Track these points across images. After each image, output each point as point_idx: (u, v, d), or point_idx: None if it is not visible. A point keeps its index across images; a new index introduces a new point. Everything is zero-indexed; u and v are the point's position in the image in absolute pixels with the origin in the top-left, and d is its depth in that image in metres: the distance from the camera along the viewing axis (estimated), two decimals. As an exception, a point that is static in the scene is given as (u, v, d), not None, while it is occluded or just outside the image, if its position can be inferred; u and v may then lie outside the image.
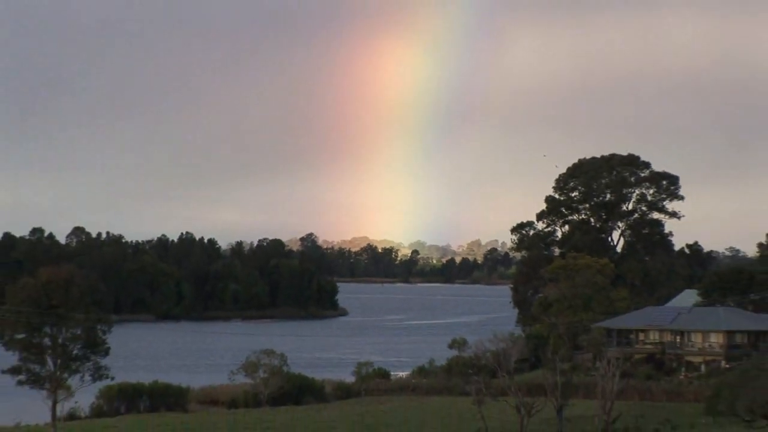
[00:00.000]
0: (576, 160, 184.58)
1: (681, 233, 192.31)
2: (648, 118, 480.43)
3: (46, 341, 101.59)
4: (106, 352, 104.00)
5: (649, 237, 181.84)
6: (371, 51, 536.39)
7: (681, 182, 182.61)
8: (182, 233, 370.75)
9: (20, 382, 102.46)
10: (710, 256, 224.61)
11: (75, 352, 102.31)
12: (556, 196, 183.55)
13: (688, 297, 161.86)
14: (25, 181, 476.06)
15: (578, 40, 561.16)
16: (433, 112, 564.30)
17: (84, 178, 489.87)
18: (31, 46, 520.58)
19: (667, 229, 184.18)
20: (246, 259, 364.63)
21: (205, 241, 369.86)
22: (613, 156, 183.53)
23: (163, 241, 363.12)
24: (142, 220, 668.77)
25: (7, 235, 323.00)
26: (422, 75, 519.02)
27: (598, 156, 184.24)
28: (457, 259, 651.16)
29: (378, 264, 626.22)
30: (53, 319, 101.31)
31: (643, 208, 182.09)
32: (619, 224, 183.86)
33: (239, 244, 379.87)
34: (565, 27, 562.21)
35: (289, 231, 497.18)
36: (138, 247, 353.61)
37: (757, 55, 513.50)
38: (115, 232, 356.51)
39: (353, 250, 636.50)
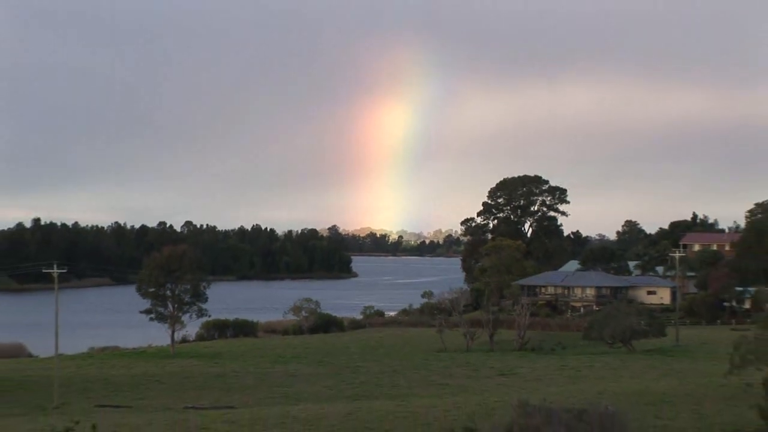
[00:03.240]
0: (502, 179, 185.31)
1: (568, 225, 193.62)
2: (552, 152, 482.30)
3: (168, 293, 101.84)
4: (205, 300, 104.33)
5: (548, 228, 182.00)
6: (376, 110, 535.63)
7: (568, 193, 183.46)
8: (254, 225, 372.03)
9: (151, 319, 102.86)
10: (586, 239, 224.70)
11: (186, 299, 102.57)
12: (489, 201, 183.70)
13: (572, 265, 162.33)
14: (153, 189, 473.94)
15: (509, 102, 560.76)
16: (414, 148, 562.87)
17: (192, 188, 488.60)
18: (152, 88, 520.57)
19: (559, 223, 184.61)
20: (294, 241, 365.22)
21: (268, 230, 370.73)
22: (525, 176, 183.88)
23: (242, 230, 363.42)
24: (229, 216, 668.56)
25: (142, 226, 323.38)
26: (408, 126, 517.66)
27: (516, 176, 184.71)
28: (427, 241, 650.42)
29: (377, 244, 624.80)
30: (172, 279, 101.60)
31: (544, 209, 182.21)
32: (529, 219, 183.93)
33: (289, 232, 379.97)
34: (502, 94, 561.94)
35: (320, 223, 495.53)
36: (226, 234, 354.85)
37: (628, 108, 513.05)
38: (212, 224, 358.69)
39: (361, 235, 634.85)
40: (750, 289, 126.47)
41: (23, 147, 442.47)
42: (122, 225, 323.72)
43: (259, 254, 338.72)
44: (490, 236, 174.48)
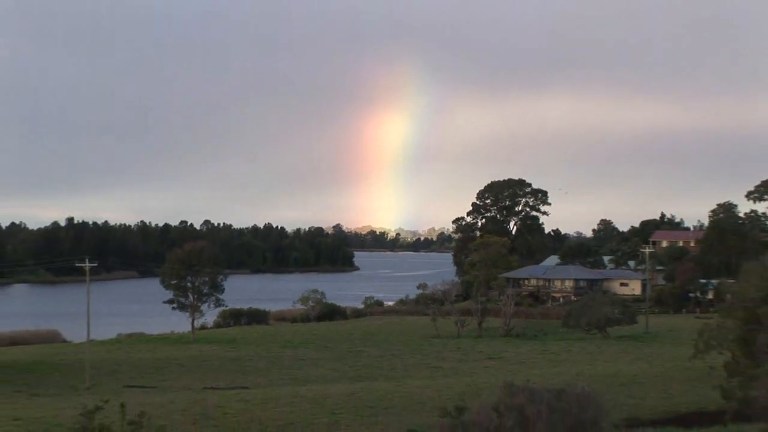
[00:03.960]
0: (489, 182, 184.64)
1: (549, 223, 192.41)
2: (533, 158, 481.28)
3: (188, 285, 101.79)
4: (222, 291, 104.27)
5: (531, 226, 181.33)
6: (375, 120, 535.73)
7: (549, 195, 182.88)
8: (266, 223, 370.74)
9: (173, 308, 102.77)
10: (565, 236, 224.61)
11: (204, 290, 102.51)
12: (478, 202, 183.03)
13: (553, 260, 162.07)
14: (175, 191, 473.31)
15: (495, 113, 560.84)
16: (410, 154, 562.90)
17: (210, 190, 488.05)
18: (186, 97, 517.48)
19: (540, 221, 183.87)
20: (302, 238, 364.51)
21: (279, 228, 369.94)
22: (510, 179, 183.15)
23: (255, 228, 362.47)
24: (243, 215, 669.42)
25: (165, 224, 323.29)
26: (405, 133, 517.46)
27: (502, 180, 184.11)
28: (422, 238, 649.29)
29: (377, 241, 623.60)
30: (192, 272, 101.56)
31: (527, 209, 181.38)
32: (514, 218, 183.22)
33: (298, 230, 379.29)
34: (489, 105, 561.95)
35: (326, 222, 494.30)
36: (241, 231, 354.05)
37: (605, 118, 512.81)
38: (228, 222, 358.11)
39: (363, 232, 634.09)
40: (713, 281, 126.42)
41: (58, 154, 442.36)
42: (147, 224, 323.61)
43: (271, 250, 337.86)
44: (478, 234, 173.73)
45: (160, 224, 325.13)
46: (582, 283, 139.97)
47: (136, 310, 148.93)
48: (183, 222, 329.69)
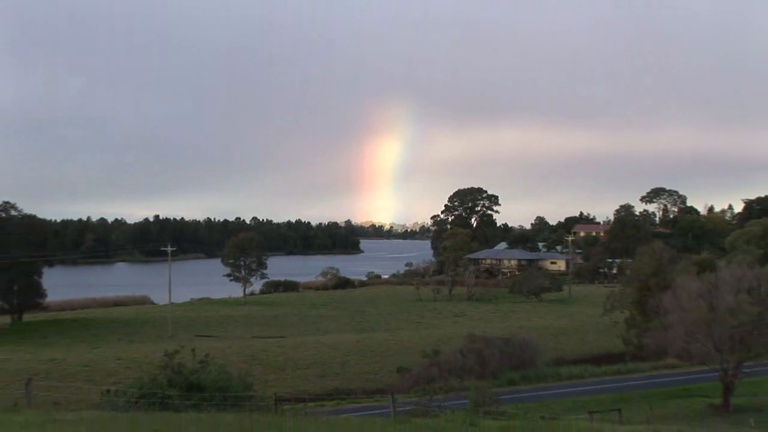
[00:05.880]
0: (456, 189, 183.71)
1: (499, 219, 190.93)
2: (489, 172, 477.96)
3: (241, 263, 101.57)
4: (265, 267, 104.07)
5: (487, 221, 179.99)
6: (374, 144, 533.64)
7: (500, 198, 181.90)
8: (297, 219, 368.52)
9: (230, 280, 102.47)
10: (511, 228, 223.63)
11: (253, 267, 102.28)
12: (449, 203, 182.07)
13: (502, 245, 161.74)
14: (233, 194, 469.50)
15: (462, 140, 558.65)
16: (400, 169, 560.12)
17: (257, 194, 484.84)
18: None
19: (494, 217, 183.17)
20: (322, 230, 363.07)
21: (306, 222, 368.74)
22: (472, 187, 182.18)
23: (289, 222, 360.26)
24: (281, 213, 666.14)
25: (225, 220, 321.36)
26: (398, 154, 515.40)
27: (466, 188, 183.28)
28: (409, 229, 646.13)
29: (376, 231, 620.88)
30: (244, 254, 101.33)
31: (484, 209, 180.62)
32: (474, 216, 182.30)
33: (320, 223, 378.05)
34: (458, 135, 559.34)
35: (340, 217, 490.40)
36: (279, 225, 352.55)
37: (541, 144, 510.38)
38: (269, 218, 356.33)
39: (366, 225, 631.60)
40: (616, 260, 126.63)
41: (151, 169, 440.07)
42: (212, 219, 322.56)
43: (300, 238, 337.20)
44: (449, 226, 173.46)
45: (221, 219, 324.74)
46: (523, 262, 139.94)
47: (204, 281, 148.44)
48: (238, 218, 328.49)
